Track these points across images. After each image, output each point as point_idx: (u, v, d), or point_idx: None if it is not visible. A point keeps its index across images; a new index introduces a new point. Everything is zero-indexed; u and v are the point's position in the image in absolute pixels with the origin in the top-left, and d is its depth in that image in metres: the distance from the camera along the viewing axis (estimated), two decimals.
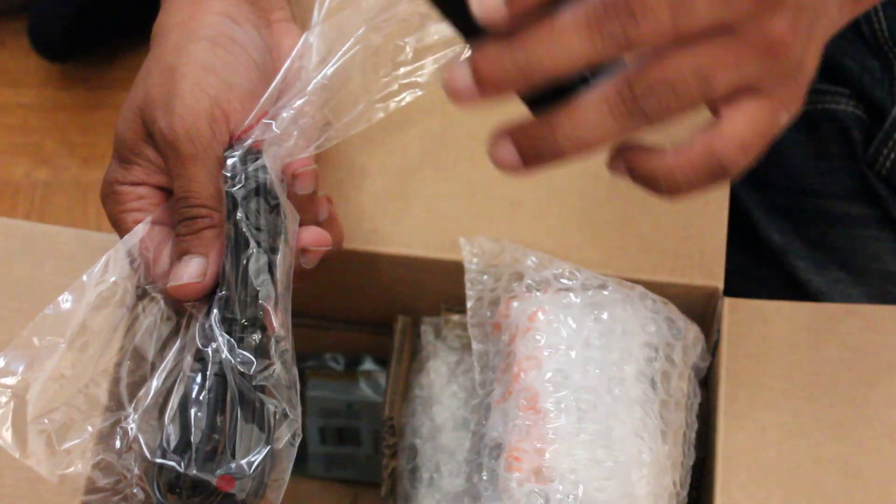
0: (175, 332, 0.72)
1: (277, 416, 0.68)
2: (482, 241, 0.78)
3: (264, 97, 0.72)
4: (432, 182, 0.80)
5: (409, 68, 0.73)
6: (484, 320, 0.78)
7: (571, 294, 0.76)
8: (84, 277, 0.71)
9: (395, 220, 0.80)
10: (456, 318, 0.82)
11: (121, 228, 0.74)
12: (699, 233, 0.79)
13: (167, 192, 0.74)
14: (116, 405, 0.71)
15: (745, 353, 0.77)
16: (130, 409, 0.70)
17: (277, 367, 0.68)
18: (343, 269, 0.81)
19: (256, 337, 0.68)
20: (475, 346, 0.78)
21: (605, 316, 0.75)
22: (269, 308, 0.69)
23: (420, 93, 0.72)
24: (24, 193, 1.11)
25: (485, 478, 0.72)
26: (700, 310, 0.79)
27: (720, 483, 0.74)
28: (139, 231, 0.73)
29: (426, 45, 0.73)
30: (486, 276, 0.78)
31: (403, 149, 0.81)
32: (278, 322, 0.69)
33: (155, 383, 0.70)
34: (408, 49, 0.73)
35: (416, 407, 0.81)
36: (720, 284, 0.79)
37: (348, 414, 0.91)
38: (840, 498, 0.74)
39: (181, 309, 0.72)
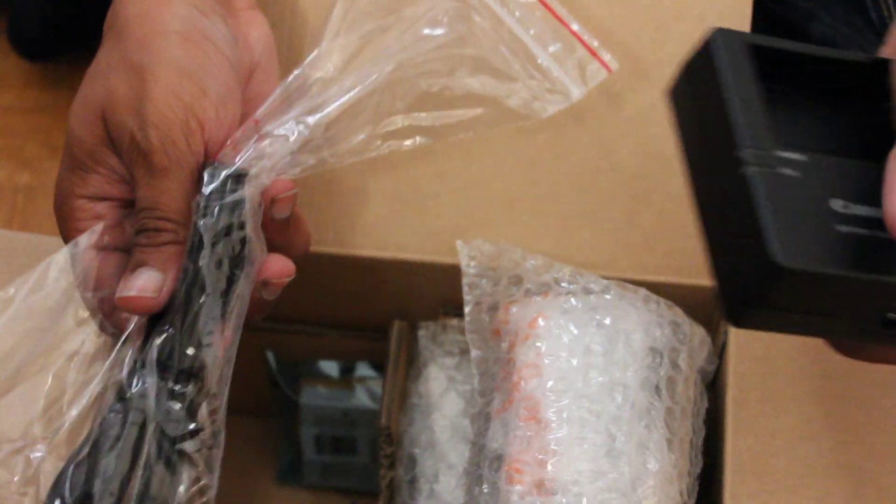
0: (100, 356, 0.70)
1: (192, 489, 0.65)
2: (480, 244, 0.78)
3: (262, 108, 0.71)
4: (428, 182, 0.80)
5: (425, 114, 0.72)
6: (482, 326, 0.77)
7: (573, 298, 0.76)
8: (11, 289, 0.70)
9: (390, 223, 0.80)
10: (454, 322, 0.82)
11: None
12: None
13: (126, 207, 0.71)
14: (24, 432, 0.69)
15: (753, 356, 0.77)
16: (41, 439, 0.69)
17: (206, 431, 0.66)
18: (338, 273, 0.81)
19: (190, 391, 0.66)
20: (474, 352, 0.77)
21: (607, 321, 0.75)
22: (207, 363, 0.67)
23: (428, 141, 0.72)
24: (6, 199, 1.11)
25: (486, 490, 0.72)
26: (707, 311, 0.79)
27: (729, 491, 0.74)
28: (84, 241, 0.71)
29: (449, 94, 0.72)
30: (484, 280, 0.78)
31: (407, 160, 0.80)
32: (215, 378, 0.67)
33: (72, 413, 0.68)
34: (431, 92, 0.72)
35: (413, 415, 0.81)
36: None
37: (344, 422, 0.91)
38: (848, 500, 0.74)
39: (116, 330, 0.70)
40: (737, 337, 0.78)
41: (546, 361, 0.74)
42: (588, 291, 0.76)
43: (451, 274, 0.79)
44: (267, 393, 0.92)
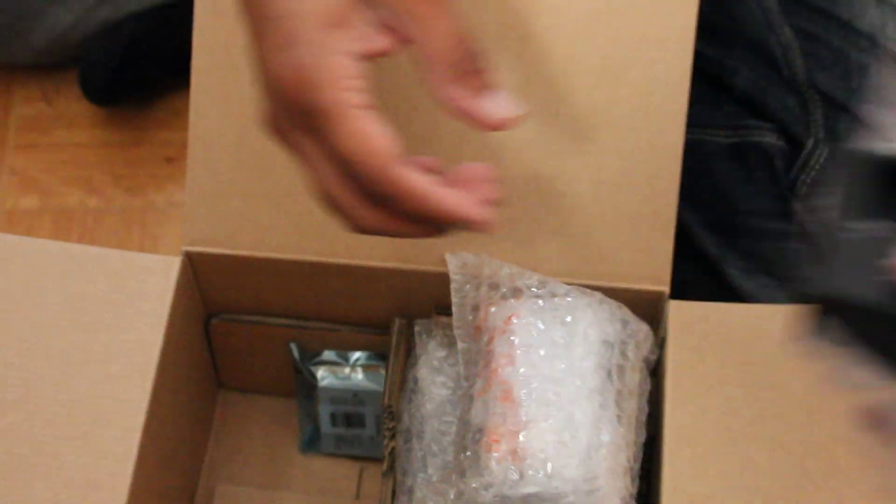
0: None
1: None
2: (465, 256, 0.78)
3: None
4: None
5: None
6: (467, 323, 0.77)
7: (540, 301, 0.76)
8: None
9: (392, 239, 0.79)
10: (444, 320, 0.81)
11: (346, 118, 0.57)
12: (650, 246, 0.79)
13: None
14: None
15: (687, 348, 0.77)
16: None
17: None
18: (349, 279, 0.81)
19: None
20: (460, 345, 0.77)
21: (568, 319, 0.75)
22: None
23: None
24: (77, 219, 1.11)
25: (469, 456, 0.72)
26: (650, 311, 0.79)
27: (667, 458, 0.74)
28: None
29: None
30: (468, 286, 0.78)
31: None
32: None
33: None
34: None
35: (410, 395, 0.81)
36: (667, 290, 0.79)
37: (354, 401, 0.90)
38: (767, 468, 0.74)
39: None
40: (674, 332, 0.78)
41: (518, 352, 0.74)
42: (553, 295, 0.76)
43: (442, 280, 0.79)
44: (291, 377, 0.92)
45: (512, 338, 0.74)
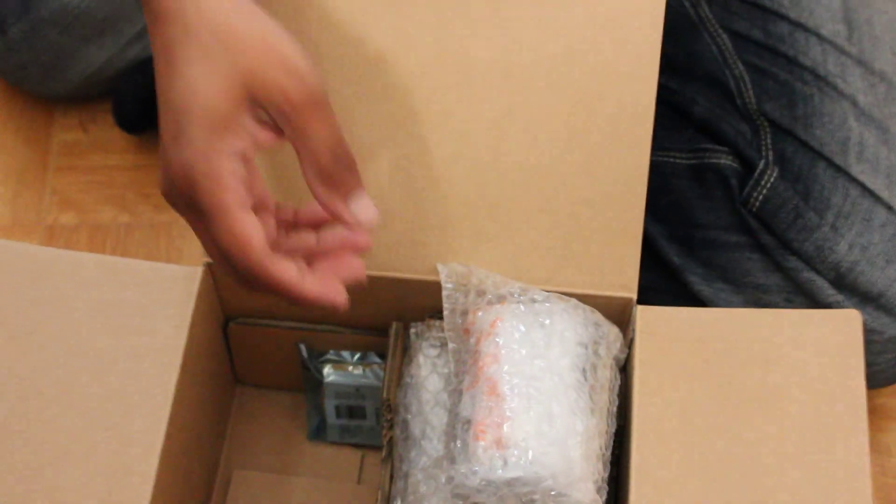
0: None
1: None
2: (454, 266, 0.78)
3: None
4: (414, 219, 0.79)
5: None
6: (456, 326, 0.77)
7: (522, 306, 0.75)
8: None
9: (391, 251, 0.79)
10: (436, 323, 0.81)
11: (224, 212, 0.58)
12: (619, 257, 0.78)
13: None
14: None
15: (653, 347, 0.77)
16: None
17: None
18: (351, 288, 0.80)
19: None
20: (450, 345, 0.77)
21: (547, 322, 0.74)
22: None
23: None
24: (111, 233, 1.10)
25: (458, 446, 0.72)
26: (619, 315, 0.79)
27: (635, 445, 0.74)
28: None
29: None
30: (458, 293, 0.77)
31: (390, 196, 0.79)
32: None
33: None
34: None
35: (406, 390, 0.81)
36: (634, 296, 0.78)
37: (356, 395, 0.90)
38: (725, 455, 0.73)
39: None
40: (641, 333, 0.77)
41: (502, 352, 0.73)
42: (533, 301, 0.75)
43: (434, 288, 0.78)
44: (300, 374, 0.91)
45: (497, 339, 0.73)
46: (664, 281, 0.93)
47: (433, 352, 0.81)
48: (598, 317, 0.76)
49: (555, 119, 0.77)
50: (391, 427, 0.80)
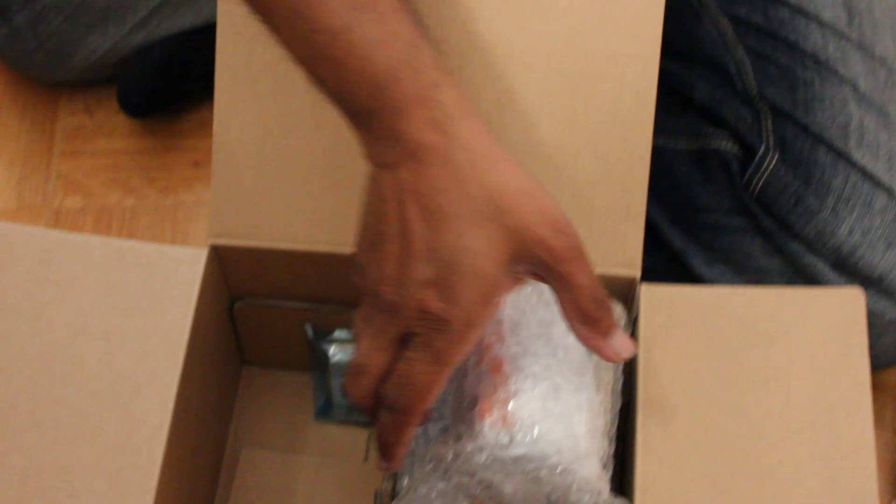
0: None
1: None
2: None
3: None
4: None
5: None
6: None
7: (526, 288, 0.75)
8: None
9: None
10: None
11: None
12: (622, 235, 0.78)
13: None
14: None
15: (657, 325, 0.77)
16: None
17: None
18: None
19: None
20: None
21: (551, 300, 0.74)
22: None
23: None
24: (116, 216, 1.10)
25: (464, 423, 0.72)
26: (623, 293, 0.79)
27: (640, 422, 0.74)
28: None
29: None
30: None
31: None
32: None
33: None
34: None
35: None
36: (638, 274, 0.79)
37: None
38: (729, 430, 0.74)
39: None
40: (645, 311, 0.77)
41: (507, 331, 0.73)
42: (535, 283, 0.75)
43: None
44: (306, 354, 0.91)
45: (501, 317, 0.74)
46: (666, 264, 0.93)
47: None
48: None
49: (557, 101, 0.77)
50: None
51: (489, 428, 0.70)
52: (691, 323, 0.76)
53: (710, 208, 0.92)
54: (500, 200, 0.58)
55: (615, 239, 0.78)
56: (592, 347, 0.65)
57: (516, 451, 0.70)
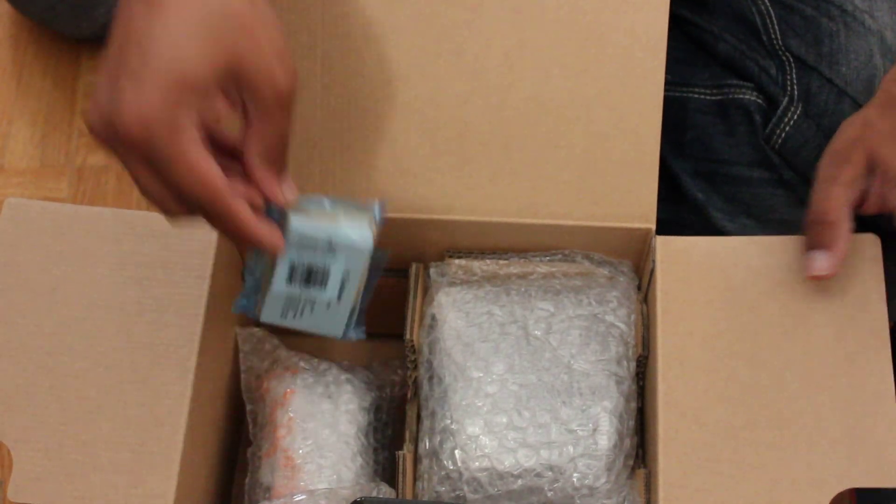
0: None
1: None
2: (253, 330, 0.84)
3: None
4: (430, 158, 0.78)
5: None
6: (252, 389, 0.83)
7: (310, 377, 0.80)
8: None
9: (405, 192, 0.79)
10: (455, 262, 0.81)
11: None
12: (636, 188, 0.78)
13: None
14: None
15: (674, 277, 0.76)
16: None
17: None
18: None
19: None
20: (248, 406, 0.83)
21: (334, 392, 0.80)
22: None
23: None
24: (92, 178, 1.11)
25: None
26: (639, 246, 0.78)
27: (661, 374, 0.73)
28: None
29: None
30: (253, 356, 0.83)
31: (405, 136, 0.79)
32: None
33: None
34: None
35: (429, 329, 0.80)
36: (653, 226, 0.78)
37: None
38: (749, 381, 0.73)
39: None
40: (662, 263, 0.76)
41: (295, 424, 0.78)
42: (319, 371, 0.81)
43: (452, 226, 0.78)
44: None
45: (290, 412, 0.77)
46: (688, 216, 0.92)
47: (453, 289, 0.80)
48: (599, 287, 0.77)
49: (567, 52, 0.77)
50: (416, 367, 0.80)
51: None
52: (709, 274, 0.75)
53: (733, 160, 0.90)
54: (230, 18, 0.58)
55: (629, 191, 0.77)
56: (265, 187, 0.63)
57: None
